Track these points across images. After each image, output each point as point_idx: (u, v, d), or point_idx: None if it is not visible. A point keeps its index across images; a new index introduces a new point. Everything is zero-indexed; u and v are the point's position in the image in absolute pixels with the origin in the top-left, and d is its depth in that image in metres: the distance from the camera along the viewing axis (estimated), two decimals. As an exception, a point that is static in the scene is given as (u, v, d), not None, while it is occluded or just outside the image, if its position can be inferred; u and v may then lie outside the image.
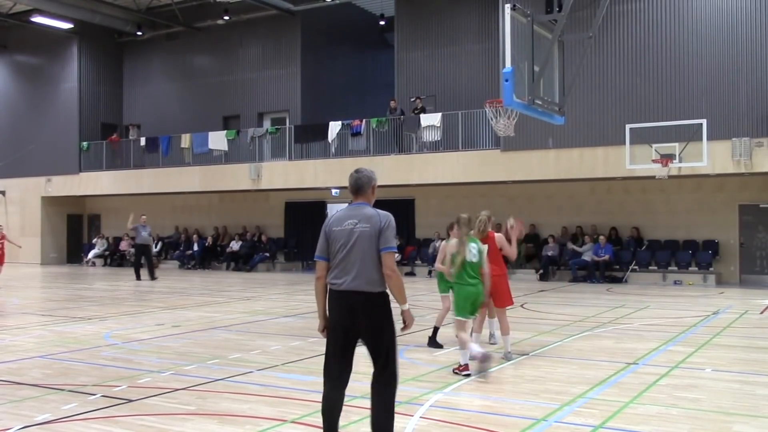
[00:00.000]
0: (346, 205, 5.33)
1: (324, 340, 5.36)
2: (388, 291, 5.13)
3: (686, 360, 9.08)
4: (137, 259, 22.57)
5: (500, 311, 9.26)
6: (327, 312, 5.26)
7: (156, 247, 28.84)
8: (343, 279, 5.08)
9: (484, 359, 7.92)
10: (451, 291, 9.07)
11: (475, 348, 8.07)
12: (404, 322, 5.23)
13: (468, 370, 8.03)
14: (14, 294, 18.13)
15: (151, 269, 22.15)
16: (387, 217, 5.12)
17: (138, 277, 21.84)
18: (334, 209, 27.11)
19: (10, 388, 7.62)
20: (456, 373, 8.09)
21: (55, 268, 28.30)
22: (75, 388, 7.55)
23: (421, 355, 9.43)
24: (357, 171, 5.31)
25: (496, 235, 9.25)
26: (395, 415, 5.35)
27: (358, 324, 5.11)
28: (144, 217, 22.63)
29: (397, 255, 7.73)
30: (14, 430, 6.01)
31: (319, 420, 6.23)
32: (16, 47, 31.88)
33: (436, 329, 10.04)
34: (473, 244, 8.35)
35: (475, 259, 8.29)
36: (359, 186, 5.25)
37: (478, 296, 8.31)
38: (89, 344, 10.41)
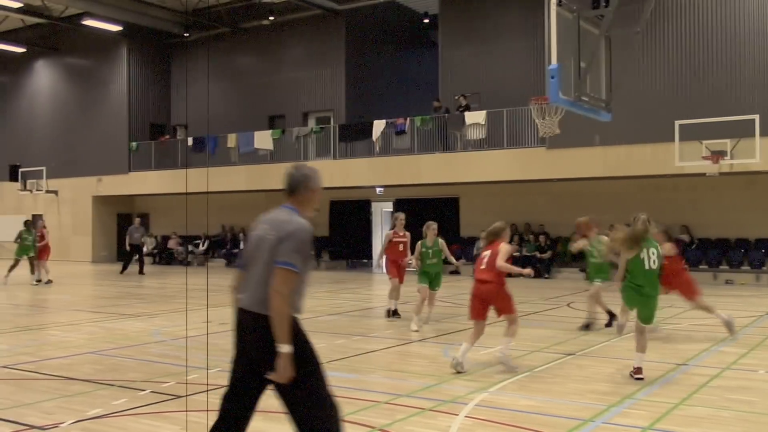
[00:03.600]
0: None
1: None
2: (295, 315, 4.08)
3: (738, 361, 8.88)
4: (129, 256, 24.46)
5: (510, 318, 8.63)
6: None
7: (204, 245, 29.29)
8: (242, 294, 4.20)
9: None
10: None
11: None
12: (277, 368, 3.91)
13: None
14: (66, 291, 18.56)
15: (141, 266, 24.16)
16: (297, 225, 4.11)
17: (123, 271, 23.83)
18: (378, 208, 27.29)
19: (62, 383, 7.81)
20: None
21: (105, 266, 28.87)
22: (125, 384, 7.70)
23: (467, 354, 9.38)
24: (295, 167, 4.39)
25: (504, 245, 8.55)
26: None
27: (251, 353, 4.10)
28: (137, 219, 25.39)
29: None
30: (67, 424, 6.15)
31: (366, 418, 6.25)
32: (67, 50, 32.58)
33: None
34: (653, 249, 7.82)
35: (654, 266, 7.76)
36: (290, 186, 4.31)
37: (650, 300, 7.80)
38: (138, 341, 10.61)
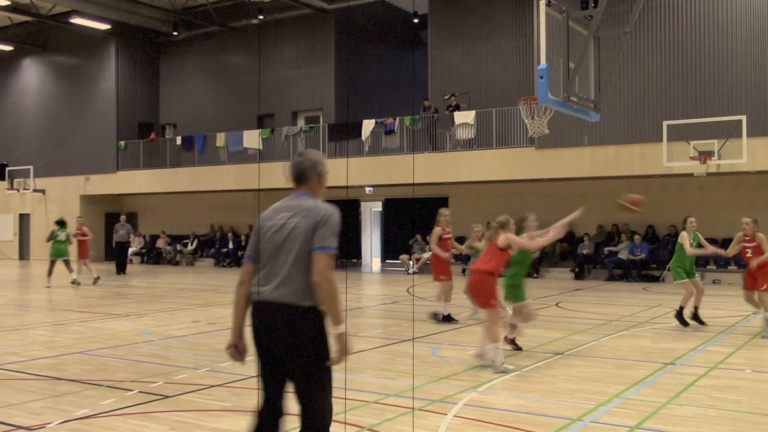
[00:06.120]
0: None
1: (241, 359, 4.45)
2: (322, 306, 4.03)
3: (725, 360, 8.94)
4: (118, 254, 24.26)
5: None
6: (243, 327, 4.33)
7: (192, 245, 29.23)
8: (265, 287, 4.04)
9: None
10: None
11: None
12: (337, 350, 3.99)
13: None
14: (53, 290, 18.45)
15: (124, 264, 24.10)
16: (328, 210, 4.06)
17: (120, 272, 23.78)
18: (367, 208, 27.28)
19: (50, 383, 7.77)
20: None
21: (93, 266, 28.66)
22: (113, 384, 7.66)
23: (455, 353, 9.41)
24: (300, 154, 4.32)
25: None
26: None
27: (279, 346, 4.02)
28: (123, 216, 25.17)
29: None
30: (54, 425, 6.12)
31: (355, 418, 6.25)
32: (55, 48, 32.43)
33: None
34: None
35: None
36: (301, 172, 4.23)
37: None
38: (127, 341, 10.56)
